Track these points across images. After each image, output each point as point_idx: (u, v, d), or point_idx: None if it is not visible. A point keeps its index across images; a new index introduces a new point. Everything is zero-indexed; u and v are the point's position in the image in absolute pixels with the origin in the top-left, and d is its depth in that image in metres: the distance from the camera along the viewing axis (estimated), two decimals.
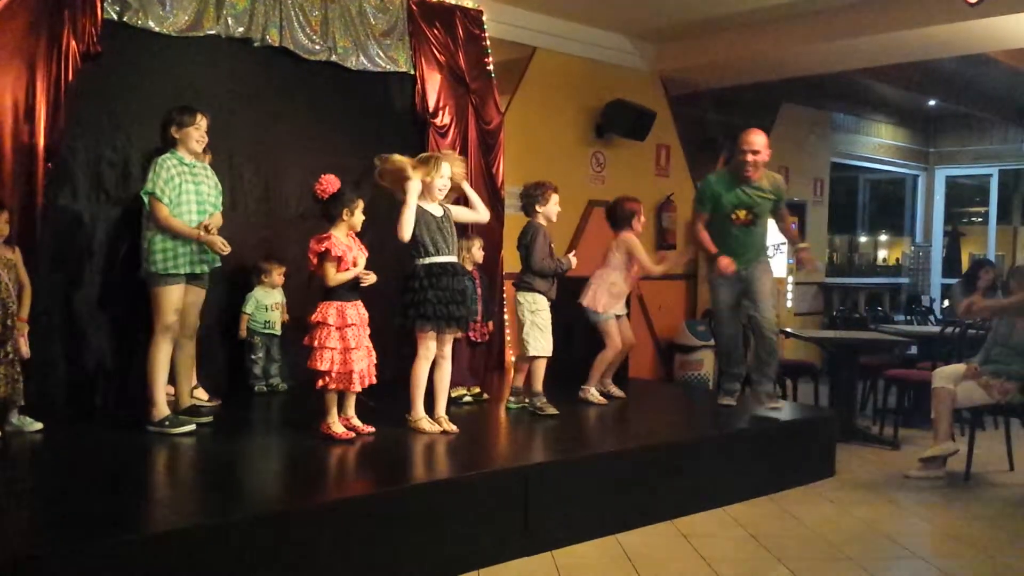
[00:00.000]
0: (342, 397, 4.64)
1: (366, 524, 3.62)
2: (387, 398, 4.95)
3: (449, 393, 5.01)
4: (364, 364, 4.57)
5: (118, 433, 4.71)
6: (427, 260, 4.70)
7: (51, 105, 4.93)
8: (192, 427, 4.61)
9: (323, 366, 4.46)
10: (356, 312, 4.57)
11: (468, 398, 5.75)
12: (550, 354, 5.43)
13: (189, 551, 3.16)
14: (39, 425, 4.52)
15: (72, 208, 5.23)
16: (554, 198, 5.47)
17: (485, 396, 5.88)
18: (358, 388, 4.56)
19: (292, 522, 3.45)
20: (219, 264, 4.84)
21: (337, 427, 4.53)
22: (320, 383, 4.51)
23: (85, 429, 4.82)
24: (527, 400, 5.49)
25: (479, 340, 5.92)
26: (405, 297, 4.71)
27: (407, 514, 3.75)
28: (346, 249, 4.52)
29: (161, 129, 4.72)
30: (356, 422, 4.66)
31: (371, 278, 4.62)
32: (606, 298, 5.88)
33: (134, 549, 3.08)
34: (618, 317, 5.99)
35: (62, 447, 4.42)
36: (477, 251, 5.82)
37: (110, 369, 5.35)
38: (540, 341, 5.38)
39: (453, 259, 4.80)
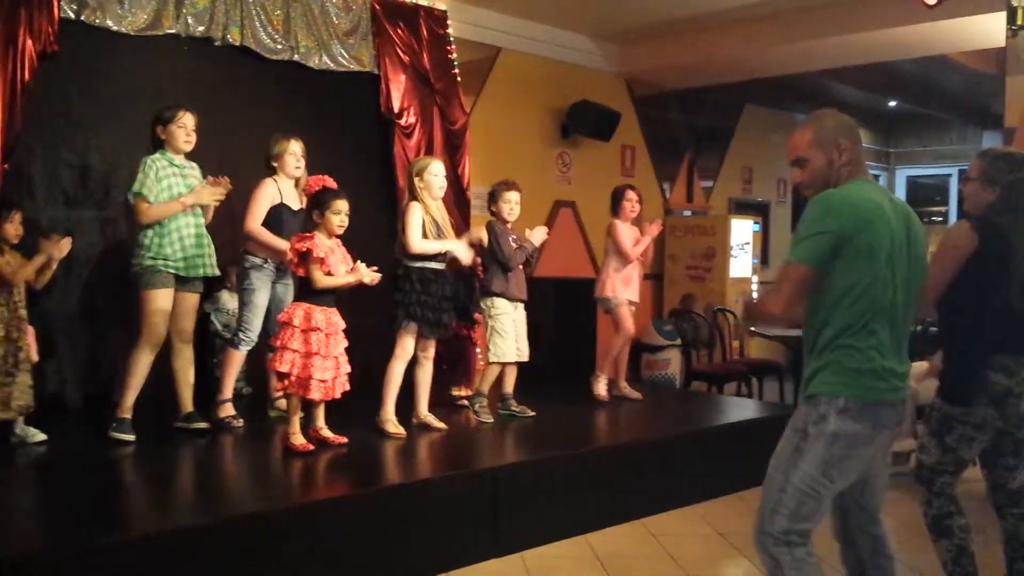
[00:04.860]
0: (309, 407, 4.45)
1: (335, 527, 3.59)
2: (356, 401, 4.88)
3: (453, 393, 5.17)
4: (329, 375, 4.30)
5: (90, 436, 4.62)
6: (419, 264, 4.70)
7: (7, 106, 4.82)
8: (131, 438, 4.43)
9: (283, 368, 4.26)
10: (325, 318, 4.30)
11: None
12: (510, 359, 5.28)
13: (156, 556, 3.12)
14: (43, 436, 4.36)
15: (29, 210, 5.12)
16: (506, 196, 5.28)
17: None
18: (316, 397, 4.30)
19: (261, 526, 3.42)
20: (212, 272, 4.65)
21: (297, 439, 4.33)
22: (280, 386, 4.38)
23: (57, 432, 4.71)
24: (510, 405, 5.45)
25: (465, 334, 5.79)
26: (395, 297, 4.69)
27: (376, 517, 3.72)
28: (328, 251, 4.29)
29: (150, 129, 4.63)
30: (326, 433, 4.48)
31: (368, 277, 4.38)
32: (613, 282, 6.00)
33: (111, 552, 3.06)
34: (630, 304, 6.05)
35: (35, 450, 4.32)
36: None
37: (73, 371, 5.27)
38: (498, 346, 5.25)
39: (440, 265, 4.80)
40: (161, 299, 4.49)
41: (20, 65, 4.85)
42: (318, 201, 4.39)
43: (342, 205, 4.38)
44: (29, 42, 4.87)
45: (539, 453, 4.65)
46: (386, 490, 3.93)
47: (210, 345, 5.74)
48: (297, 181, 4.99)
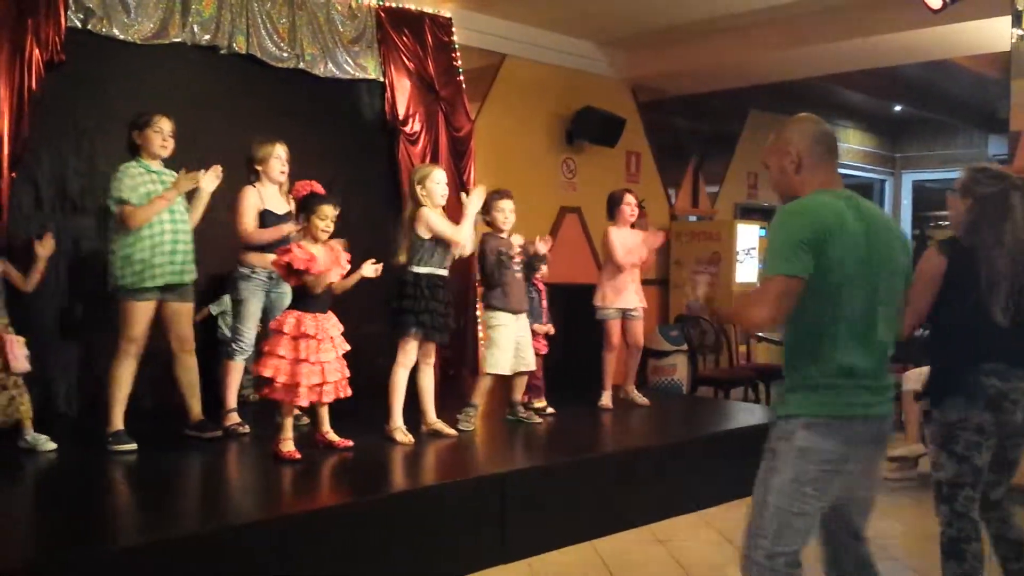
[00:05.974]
0: (313, 412, 4.50)
1: (342, 534, 3.59)
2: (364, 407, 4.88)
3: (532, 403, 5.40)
4: (323, 378, 4.26)
5: (81, 445, 4.62)
6: (424, 270, 4.70)
7: (15, 114, 4.86)
8: (133, 447, 4.40)
9: (267, 373, 4.22)
10: (317, 324, 4.26)
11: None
12: (504, 372, 5.18)
13: (163, 563, 3.13)
14: (53, 445, 4.37)
15: (37, 218, 5.15)
16: (499, 205, 5.20)
17: (550, 410, 5.77)
18: (303, 403, 4.27)
19: (267, 533, 3.42)
20: (194, 276, 4.61)
21: (286, 445, 4.29)
22: (265, 391, 4.32)
23: (66, 441, 4.72)
24: (518, 411, 5.44)
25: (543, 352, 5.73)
26: (403, 304, 4.66)
27: (383, 524, 3.72)
28: (309, 259, 4.19)
29: (127, 136, 4.57)
30: (332, 437, 4.51)
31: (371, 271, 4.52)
32: (604, 291, 5.94)
33: (110, 561, 3.05)
34: (626, 315, 5.98)
35: (44, 458, 4.32)
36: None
37: (75, 380, 5.27)
38: (494, 358, 5.14)
39: (445, 272, 4.80)
40: (139, 311, 4.42)
41: (27, 74, 4.90)
42: (304, 206, 4.38)
43: (329, 211, 4.32)
44: (36, 51, 4.91)
45: (547, 459, 4.65)
46: (393, 496, 3.93)
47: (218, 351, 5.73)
48: (281, 186, 4.95)
